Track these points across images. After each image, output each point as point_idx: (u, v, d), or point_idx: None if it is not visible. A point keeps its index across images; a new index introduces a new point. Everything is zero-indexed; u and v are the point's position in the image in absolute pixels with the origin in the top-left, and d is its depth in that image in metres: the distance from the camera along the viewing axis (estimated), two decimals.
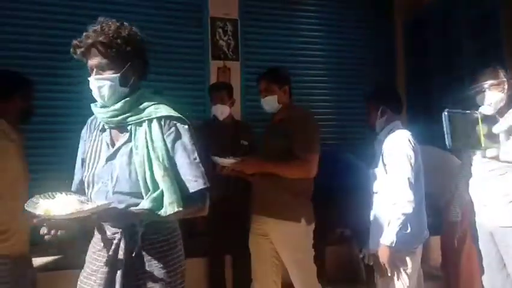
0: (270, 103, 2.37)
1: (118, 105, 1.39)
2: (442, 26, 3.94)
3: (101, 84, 1.37)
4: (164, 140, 1.37)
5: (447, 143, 0.88)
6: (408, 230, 2.07)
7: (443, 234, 2.97)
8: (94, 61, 1.37)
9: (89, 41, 1.35)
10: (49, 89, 3.27)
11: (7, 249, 1.86)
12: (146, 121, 1.39)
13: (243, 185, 2.75)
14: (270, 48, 4.00)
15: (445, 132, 0.88)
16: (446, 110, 0.90)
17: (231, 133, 2.97)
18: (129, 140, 1.40)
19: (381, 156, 2.18)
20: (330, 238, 2.81)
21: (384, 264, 2.06)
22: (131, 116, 1.39)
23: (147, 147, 1.35)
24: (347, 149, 3.37)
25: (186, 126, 1.42)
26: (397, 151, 2.10)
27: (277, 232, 2.23)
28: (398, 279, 2.12)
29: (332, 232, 2.81)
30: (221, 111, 2.95)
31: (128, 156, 1.37)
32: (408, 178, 2.04)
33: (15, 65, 2.54)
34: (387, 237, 2.05)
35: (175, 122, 1.41)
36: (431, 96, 4.05)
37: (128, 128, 1.41)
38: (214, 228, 2.79)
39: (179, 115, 1.42)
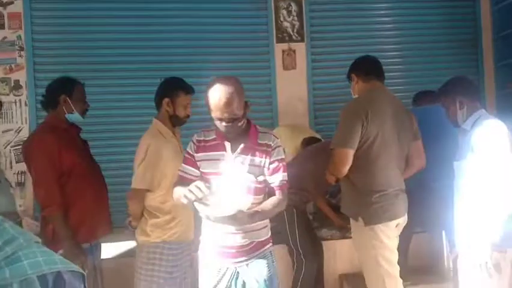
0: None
1: None
2: None
3: None
4: None
5: None
6: None
7: None
8: None
9: None
10: None
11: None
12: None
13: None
14: (337, 25, 3.77)
15: None
16: None
17: None
18: None
19: (469, 149, 1.96)
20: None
21: (485, 264, 1.87)
22: None
23: None
24: None
25: None
26: (492, 142, 1.90)
27: (352, 229, 2.23)
28: (491, 280, 1.91)
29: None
30: None
31: None
32: (510, 169, 1.84)
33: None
34: (494, 235, 1.85)
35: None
36: None
37: None
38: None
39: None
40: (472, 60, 3.92)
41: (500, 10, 3.80)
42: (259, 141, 1.69)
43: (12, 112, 3.29)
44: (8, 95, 3.28)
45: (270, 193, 1.74)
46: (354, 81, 2.26)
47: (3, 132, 3.30)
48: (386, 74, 2.23)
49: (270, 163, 1.67)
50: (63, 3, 3.46)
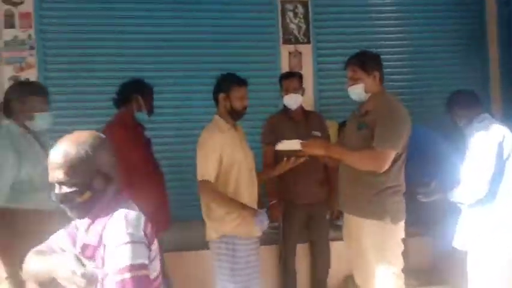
0: (356, 92, 2.16)
1: None
2: None
3: None
4: None
5: None
6: None
7: None
8: None
9: None
10: None
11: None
12: None
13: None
14: (343, 27, 3.80)
15: None
16: None
17: (302, 124, 2.83)
18: None
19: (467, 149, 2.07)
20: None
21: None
22: None
23: None
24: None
25: None
26: (480, 142, 1.99)
27: (360, 231, 2.13)
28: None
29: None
30: (294, 100, 2.79)
31: None
32: (487, 168, 1.95)
33: None
34: None
35: None
36: None
37: None
38: (288, 217, 2.80)
39: None
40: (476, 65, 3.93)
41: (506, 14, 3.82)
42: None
43: None
44: None
45: None
46: (373, 79, 2.14)
47: None
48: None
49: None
50: (72, 2, 3.49)
